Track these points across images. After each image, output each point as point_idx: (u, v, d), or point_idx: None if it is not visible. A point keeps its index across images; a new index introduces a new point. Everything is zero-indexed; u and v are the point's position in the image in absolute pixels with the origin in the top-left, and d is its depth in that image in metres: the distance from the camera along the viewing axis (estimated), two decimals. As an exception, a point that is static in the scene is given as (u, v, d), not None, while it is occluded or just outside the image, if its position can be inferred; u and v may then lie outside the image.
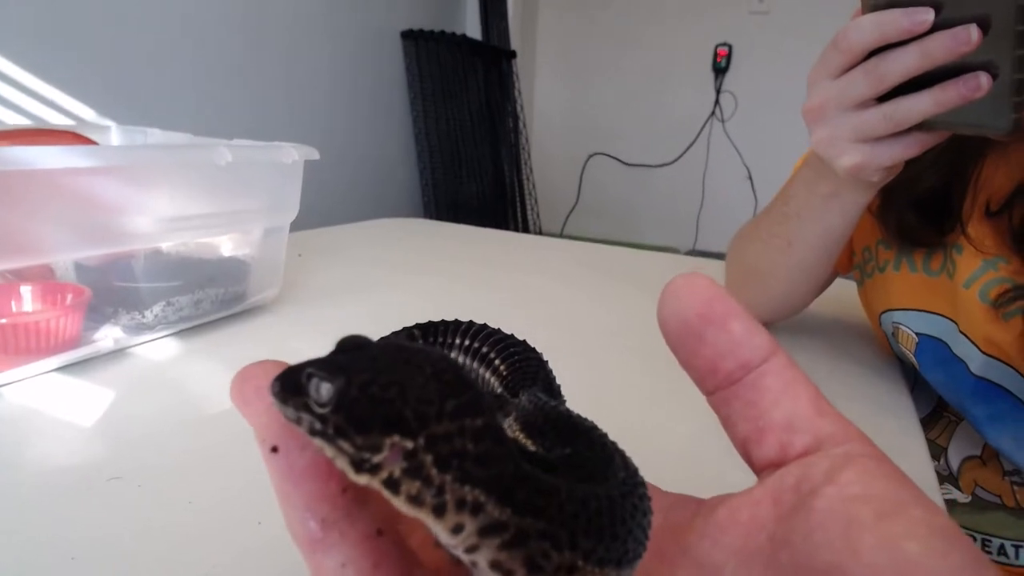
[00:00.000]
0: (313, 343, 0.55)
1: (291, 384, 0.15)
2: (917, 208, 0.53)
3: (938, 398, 0.64)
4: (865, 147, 0.46)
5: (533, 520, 0.15)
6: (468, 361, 0.28)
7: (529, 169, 2.95)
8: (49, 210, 0.46)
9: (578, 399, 0.26)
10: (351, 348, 0.16)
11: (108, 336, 0.53)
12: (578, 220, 3.31)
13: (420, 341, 0.29)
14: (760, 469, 0.18)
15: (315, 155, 0.61)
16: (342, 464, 0.14)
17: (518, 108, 2.84)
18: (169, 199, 0.52)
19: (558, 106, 3.30)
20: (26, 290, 0.53)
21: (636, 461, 0.19)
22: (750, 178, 2.94)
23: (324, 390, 0.14)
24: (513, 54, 2.81)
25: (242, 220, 0.59)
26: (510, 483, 0.15)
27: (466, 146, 2.52)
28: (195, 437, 0.42)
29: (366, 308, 0.68)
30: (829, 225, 0.54)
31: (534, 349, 0.28)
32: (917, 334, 0.55)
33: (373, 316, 0.67)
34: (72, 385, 0.48)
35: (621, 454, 0.19)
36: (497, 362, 0.27)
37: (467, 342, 0.28)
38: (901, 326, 0.57)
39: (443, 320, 0.29)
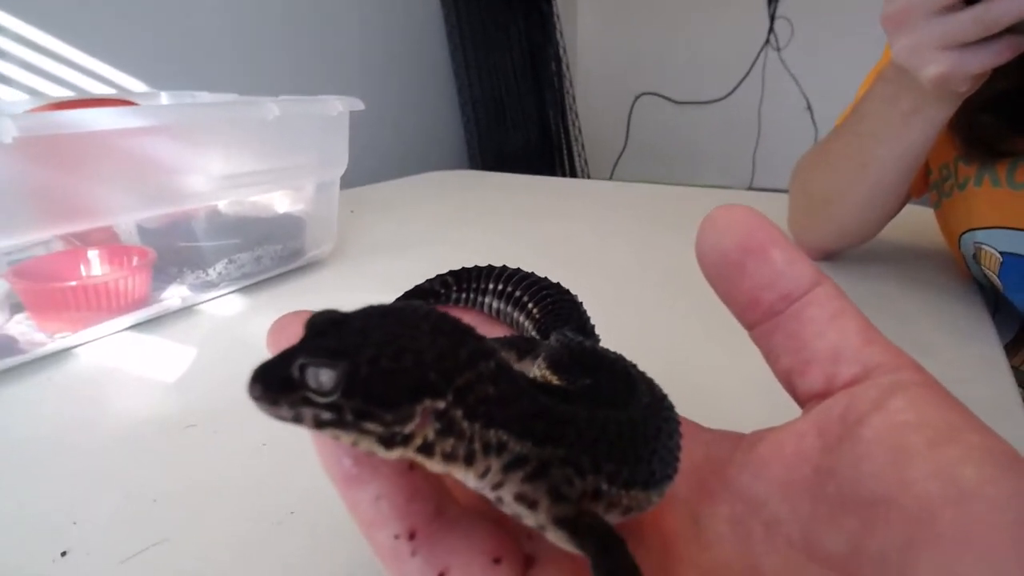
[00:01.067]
0: (370, 295, 0.55)
1: (275, 382, 0.13)
2: (995, 112, 0.49)
3: (1022, 323, 0.60)
4: (953, 54, 0.42)
5: (553, 449, 0.15)
6: (502, 305, 0.28)
7: (575, 114, 2.88)
8: (107, 172, 0.47)
9: (624, 342, 0.25)
10: (329, 327, 0.14)
11: (175, 295, 0.54)
12: (627, 164, 3.23)
13: (454, 287, 0.29)
14: (805, 401, 0.18)
15: (359, 105, 0.61)
16: (368, 445, 0.14)
17: (560, 51, 2.76)
18: (222, 157, 0.52)
19: (601, 46, 3.19)
20: (93, 254, 0.55)
21: (681, 401, 0.18)
22: (809, 108, 2.79)
23: (326, 377, 0.13)
24: (553, -6, 2.72)
25: (294, 175, 0.60)
26: (529, 417, 0.14)
27: (510, 95, 2.47)
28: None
29: (418, 261, 0.68)
30: (909, 143, 0.50)
31: (568, 291, 0.28)
32: (1001, 253, 0.52)
33: (426, 268, 0.67)
34: (144, 342, 0.49)
35: (648, 381, 0.19)
36: (530, 305, 0.27)
37: (500, 286, 0.28)
38: (984, 246, 0.53)
39: (476, 266, 0.29)
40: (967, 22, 0.41)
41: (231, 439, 0.36)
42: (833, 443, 0.15)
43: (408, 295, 0.29)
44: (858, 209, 0.58)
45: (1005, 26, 0.40)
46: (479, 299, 0.29)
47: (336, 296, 0.59)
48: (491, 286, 0.28)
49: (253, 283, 0.60)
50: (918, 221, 0.66)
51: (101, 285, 0.49)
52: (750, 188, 2.98)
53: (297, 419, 0.13)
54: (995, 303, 0.61)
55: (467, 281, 0.29)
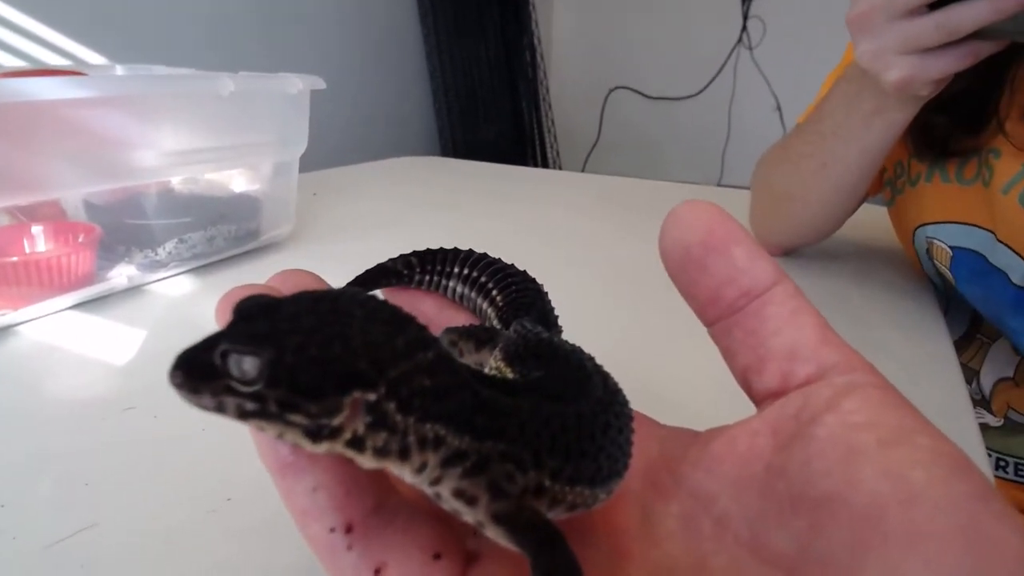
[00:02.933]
0: (330, 277, 0.55)
1: (198, 369, 0.13)
2: (947, 112, 0.49)
3: (971, 320, 0.62)
4: (914, 59, 0.43)
5: (493, 443, 0.14)
6: (466, 290, 0.27)
7: (548, 105, 2.88)
8: (53, 144, 0.45)
9: (585, 334, 0.25)
10: (258, 312, 0.13)
11: (122, 274, 0.53)
12: (599, 157, 3.24)
13: (417, 268, 0.28)
14: (760, 400, 0.18)
15: (320, 84, 0.59)
16: (293, 438, 0.13)
17: (535, 42, 2.75)
18: (173, 132, 0.51)
19: (577, 39, 3.19)
20: (37, 230, 0.53)
21: (638, 396, 0.18)
22: (779, 108, 2.83)
23: (249, 365, 0.12)
24: (529, -16, 2.70)
25: (250, 153, 0.58)
26: (468, 410, 0.14)
27: (483, 84, 2.46)
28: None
29: (381, 244, 0.66)
30: (869, 144, 0.51)
31: (533, 280, 0.27)
32: (951, 247, 0.53)
33: (388, 252, 0.66)
34: (88, 322, 0.48)
35: (603, 375, 0.18)
36: (494, 292, 0.27)
37: (466, 271, 0.28)
38: (935, 240, 0.54)
39: (441, 248, 0.29)
40: (929, 27, 0.41)
41: (170, 424, 0.35)
42: (786, 442, 0.16)
43: (369, 273, 0.28)
44: (818, 206, 0.58)
45: (967, 32, 0.40)
46: (442, 282, 0.28)
47: (292, 279, 0.58)
48: (455, 270, 0.28)
49: (205, 264, 0.58)
50: (871, 219, 0.67)
51: (44, 261, 0.47)
52: (719, 184, 3.01)
53: (219, 409, 0.13)
54: (947, 300, 0.62)
55: (431, 263, 0.28)
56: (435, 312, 0.28)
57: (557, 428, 0.15)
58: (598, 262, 0.65)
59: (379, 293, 0.28)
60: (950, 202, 0.52)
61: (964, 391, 0.43)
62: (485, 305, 0.27)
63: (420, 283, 0.28)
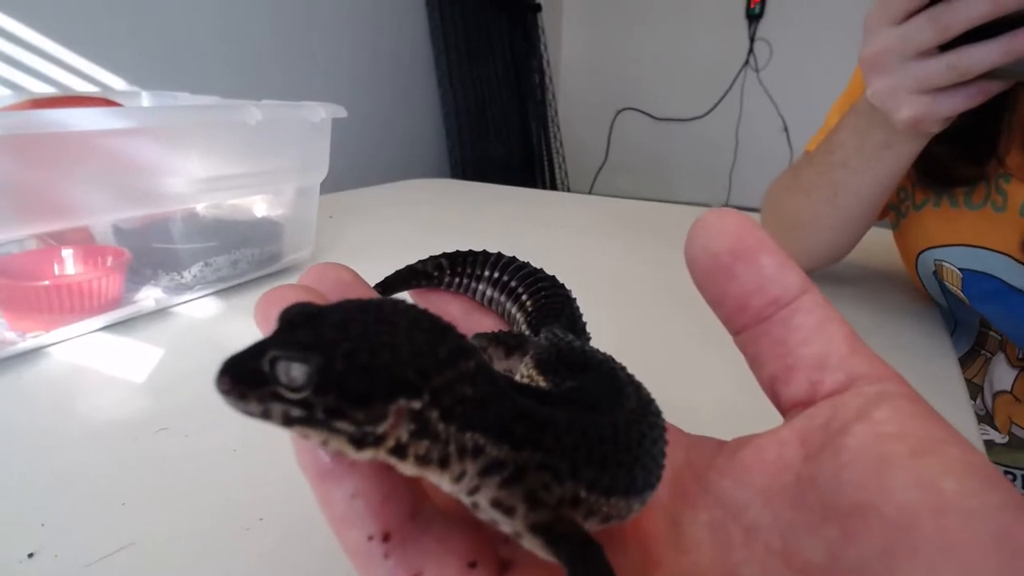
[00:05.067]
0: (349, 295, 0.56)
1: (245, 375, 0.13)
2: (949, 144, 0.50)
3: (976, 337, 0.63)
4: (926, 98, 0.44)
5: (531, 453, 0.14)
6: (495, 294, 0.27)
7: (556, 126, 2.90)
8: (84, 172, 0.46)
9: (604, 348, 0.26)
10: (302, 319, 0.14)
11: (149, 296, 0.54)
12: (607, 178, 3.26)
13: (447, 271, 0.28)
14: (788, 409, 0.18)
15: (342, 113, 0.61)
16: (338, 445, 0.13)
17: (544, 64, 2.78)
18: (201, 159, 0.52)
19: (585, 60, 3.22)
20: (67, 253, 0.54)
21: (661, 407, 0.18)
22: (786, 130, 2.85)
23: (298, 371, 0.12)
24: (539, 7, 2.74)
25: (274, 180, 0.60)
26: (507, 420, 0.14)
27: (493, 105, 2.48)
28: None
29: (396, 264, 0.68)
30: (879, 175, 0.52)
31: (562, 285, 0.27)
32: (961, 270, 0.54)
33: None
34: (117, 343, 0.49)
35: (635, 385, 0.18)
36: (524, 297, 0.26)
37: (496, 274, 0.27)
38: (944, 263, 0.55)
39: (471, 250, 0.28)
40: (941, 68, 0.42)
41: (202, 442, 0.36)
42: (815, 451, 0.16)
43: (399, 274, 0.28)
44: (829, 233, 0.60)
45: (978, 73, 0.42)
46: (472, 285, 0.28)
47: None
48: (486, 273, 0.27)
49: (229, 287, 0.60)
50: (878, 241, 0.68)
51: (75, 285, 0.49)
52: (726, 206, 3.00)
53: (266, 415, 0.13)
54: (954, 321, 0.63)
55: (461, 265, 0.28)
56: (462, 315, 0.28)
57: (593, 439, 0.15)
58: (605, 282, 0.66)
59: (407, 295, 0.28)
60: (960, 226, 0.53)
61: (970, 409, 0.44)
62: (514, 310, 0.27)
63: (450, 285, 0.28)
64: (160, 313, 0.54)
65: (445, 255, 0.28)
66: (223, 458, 0.35)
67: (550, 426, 0.15)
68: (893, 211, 0.62)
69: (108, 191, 0.48)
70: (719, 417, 0.39)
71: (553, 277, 0.27)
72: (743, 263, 0.17)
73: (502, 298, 0.27)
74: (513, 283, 0.27)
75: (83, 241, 0.56)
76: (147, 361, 0.46)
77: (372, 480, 0.15)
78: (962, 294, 0.55)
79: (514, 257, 0.28)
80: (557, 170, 2.94)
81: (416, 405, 0.13)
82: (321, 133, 0.62)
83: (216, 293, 0.59)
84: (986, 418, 0.61)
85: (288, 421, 0.13)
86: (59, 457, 0.35)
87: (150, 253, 0.55)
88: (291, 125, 0.59)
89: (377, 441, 0.13)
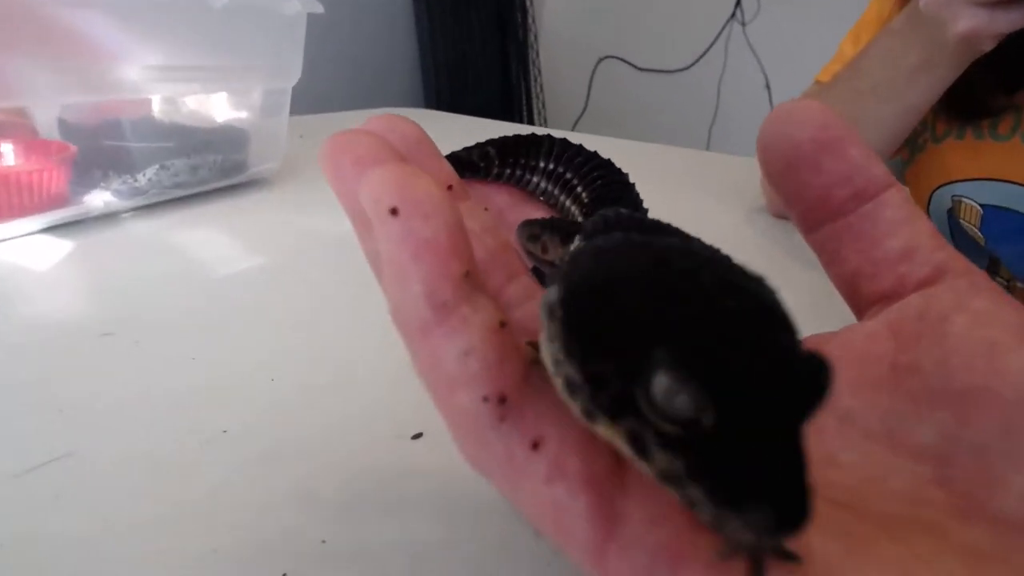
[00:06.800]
0: (318, 220, 0.52)
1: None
2: (986, 71, 0.48)
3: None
4: (984, 12, 0.42)
5: None
6: (548, 186, 0.25)
7: (537, 70, 2.83)
8: (25, 47, 0.41)
9: None
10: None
11: (98, 199, 0.49)
12: (586, 125, 3.20)
13: (496, 161, 0.25)
14: (870, 304, 0.17)
15: (319, 8, 0.55)
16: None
17: (527, 3, 2.69)
18: (158, 44, 0.47)
19: (569, 5, 3.13)
20: (7, 147, 0.49)
21: None
22: (768, 87, 2.82)
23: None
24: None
25: (239, 77, 0.54)
26: None
27: (472, 44, 2.40)
28: (198, 298, 0.38)
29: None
30: (910, 101, 0.49)
31: (620, 170, 0.25)
32: (982, 205, 0.52)
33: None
34: (61, 246, 0.44)
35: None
36: (579, 189, 0.24)
37: (551, 166, 0.25)
38: (964, 199, 0.53)
39: (518, 135, 0.25)
40: None
41: (154, 351, 0.32)
42: (911, 341, 0.15)
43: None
44: None
45: None
46: (525, 176, 0.25)
47: (280, 216, 0.55)
48: (540, 164, 0.25)
49: (189, 194, 0.54)
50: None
51: (12, 175, 0.44)
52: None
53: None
54: None
55: (512, 156, 0.25)
56: (508, 207, 0.25)
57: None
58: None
59: None
60: (983, 159, 0.51)
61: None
62: (569, 203, 0.25)
63: (499, 176, 0.25)
64: (111, 217, 0.49)
65: (491, 142, 0.25)
66: (180, 367, 0.31)
67: None
68: (908, 146, 0.59)
69: (51, 71, 0.42)
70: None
71: (610, 162, 0.25)
72: (828, 153, 0.16)
73: (555, 191, 0.25)
74: (568, 174, 0.25)
75: (26, 135, 0.50)
76: (94, 265, 0.42)
77: (487, 336, 0.13)
78: (979, 232, 0.53)
79: (565, 140, 0.25)
80: (536, 116, 2.88)
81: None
82: (294, 30, 0.56)
83: (174, 200, 0.53)
84: None
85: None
86: (-11, 359, 0.31)
87: (100, 152, 0.50)
88: (261, 15, 0.53)
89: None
